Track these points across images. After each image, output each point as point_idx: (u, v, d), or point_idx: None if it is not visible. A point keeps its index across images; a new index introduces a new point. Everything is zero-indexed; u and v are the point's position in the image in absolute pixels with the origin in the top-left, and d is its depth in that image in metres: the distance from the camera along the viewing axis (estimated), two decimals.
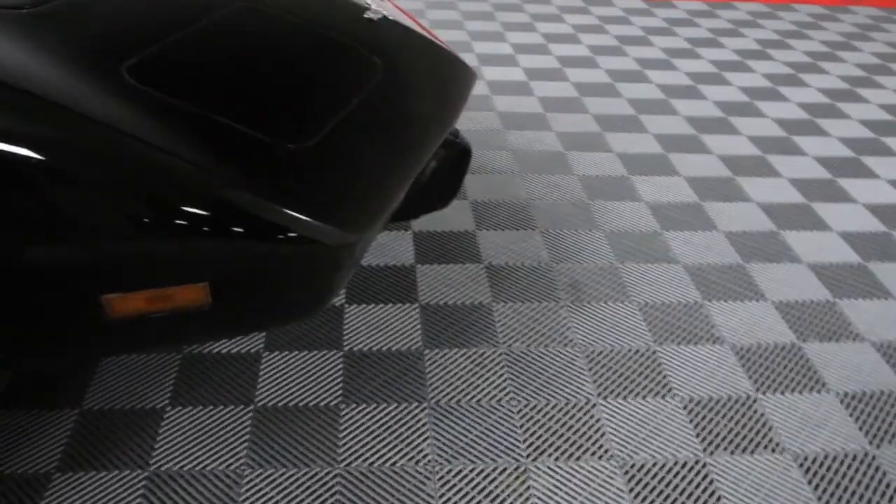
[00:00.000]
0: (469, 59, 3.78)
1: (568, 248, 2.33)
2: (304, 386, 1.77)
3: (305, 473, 1.57)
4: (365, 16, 1.98)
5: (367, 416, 1.70)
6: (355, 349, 1.88)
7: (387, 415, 1.71)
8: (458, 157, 1.90)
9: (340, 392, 1.76)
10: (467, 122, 3.10)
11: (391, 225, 2.39)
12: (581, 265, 2.25)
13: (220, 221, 1.23)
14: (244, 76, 1.52)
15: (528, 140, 2.98)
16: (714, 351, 1.95)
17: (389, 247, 2.28)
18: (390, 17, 2.05)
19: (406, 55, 1.90)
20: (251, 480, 1.55)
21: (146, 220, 1.21)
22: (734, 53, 4.07)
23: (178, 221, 1.22)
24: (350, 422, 1.69)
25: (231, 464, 1.58)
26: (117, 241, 1.20)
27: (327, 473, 1.57)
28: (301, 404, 1.73)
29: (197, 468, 1.57)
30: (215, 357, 1.84)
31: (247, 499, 1.51)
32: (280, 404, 1.72)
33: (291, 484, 1.54)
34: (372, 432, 1.67)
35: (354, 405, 1.73)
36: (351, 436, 1.66)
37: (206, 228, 1.23)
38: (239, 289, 1.32)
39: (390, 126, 1.61)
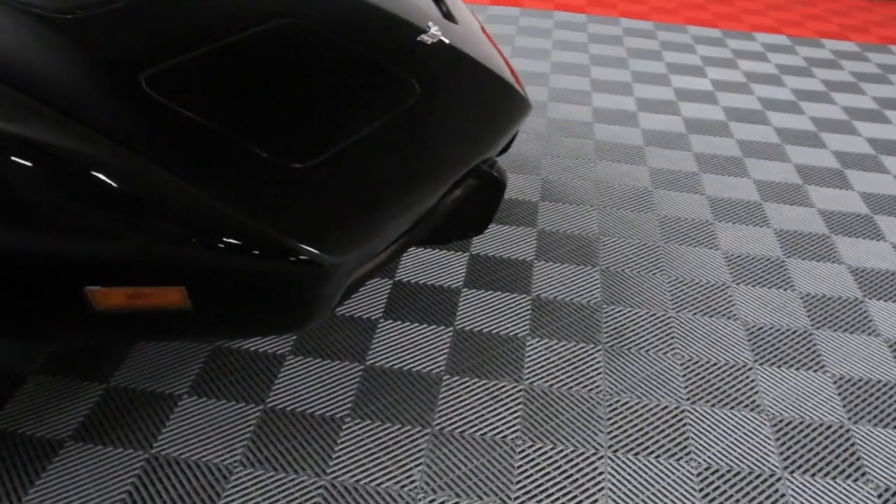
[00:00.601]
0: (579, 83, 3.72)
1: (624, 291, 2.25)
2: (316, 394, 1.81)
3: (292, 479, 1.61)
4: (419, 38, 1.98)
5: (368, 433, 1.72)
6: (376, 365, 1.91)
7: (388, 434, 1.73)
8: (489, 188, 1.87)
9: (350, 405, 1.79)
10: (559, 147, 3.06)
11: (451, 245, 2.39)
12: (632, 310, 2.18)
13: (193, 229, 1.28)
14: (265, 92, 1.57)
15: (617, 173, 2.91)
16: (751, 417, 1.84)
17: (441, 266, 2.29)
18: (448, 42, 2.03)
19: (450, 81, 1.89)
20: (239, 478, 1.60)
21: (125, 221, 1.27)
22: (873, 101, 3.80)
23: (154, 226, 1.28)
24: (350, 435, 1.71)
25: (225, 458, 1.64)
26: (100, 239, 1.27)
27: (312, 483, 1.60)
28: (308, 411, 1.77)
29: (193, 458, 1.64)
30: (242, 353, 1.91)
31: (230, 495, 1.56)
32: (288, 408, 1.77)
33: (276, 487, 1.59)
34: (368, 449, 1.68)
35: (359, 420, 1.75)
36: (346, 449, 1.68)
37: (180, 235, 1.28)
38: (216, 296, 1.36)
39: (407, 153, 1.61)
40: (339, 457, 1.66)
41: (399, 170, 1.57)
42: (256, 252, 1.31)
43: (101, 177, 1.27)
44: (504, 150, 2.31)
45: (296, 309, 1.41)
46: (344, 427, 1.74)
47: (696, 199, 2.78)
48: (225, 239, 1.30)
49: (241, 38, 1.68)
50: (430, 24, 2.09)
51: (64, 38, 1.46)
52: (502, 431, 1.75)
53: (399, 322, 2.06)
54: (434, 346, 1.99)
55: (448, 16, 2.28)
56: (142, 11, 1.63)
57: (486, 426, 1.77)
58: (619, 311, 2.16)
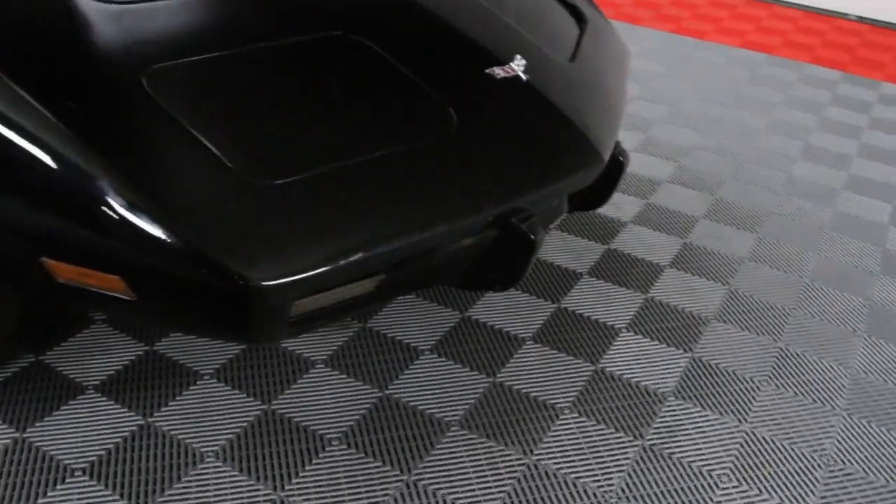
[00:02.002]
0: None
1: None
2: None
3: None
4: (487, 70, 1.85)
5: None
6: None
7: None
8: (514, 243, 1.69)
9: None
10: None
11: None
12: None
13: (124, 224, 1.33)
14: (274, 104, 1.56)
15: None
16: None
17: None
18: (526, 79, 1.88)
19: (499, 122, 1.76)
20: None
21: (60, 204, 1.35)
22: None
23: (86, 213, 1.35)
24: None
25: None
26: (43, 216, 1.37)
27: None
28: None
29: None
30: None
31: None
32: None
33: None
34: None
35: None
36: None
37: (110, 227, 1.34)
38: (153, 292, 1.40)
39: (404, 190, 1.53)
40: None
41: (382, 205, 1.49)
42: (179, 259, 1.32)
43: (46, 159, 1.35)
44: (586, 207, 2.11)
45: (227, 322, 1.40)
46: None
47: None
48: (151, 240, 1.33)
49: (275, 46, 1.67)
50: (518, 57, 1.93)
51: (85, 23, 1.52)
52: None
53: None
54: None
55: (578, 52, 2.12)
56: (189, 8, 1.66)
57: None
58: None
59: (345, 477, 1.66)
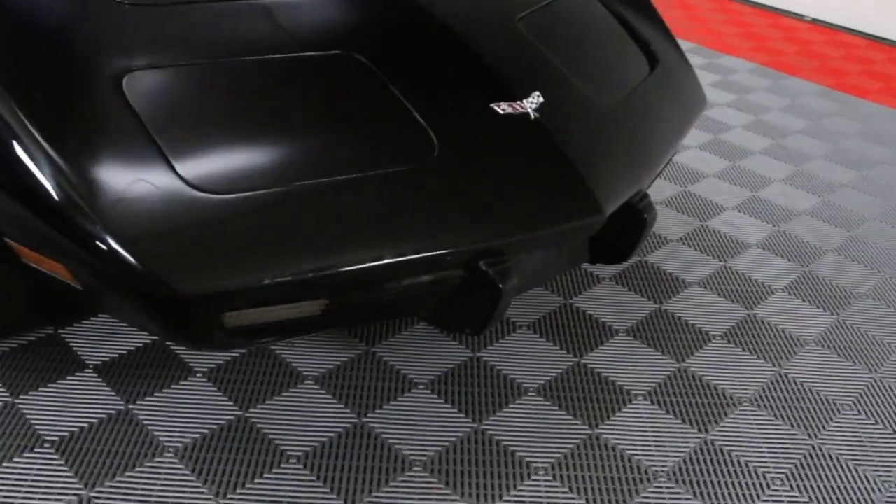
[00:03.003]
0: None
1: None
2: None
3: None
4: (492, 104, 1.74)
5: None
6: None
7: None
8: (481, 287, 1.60)
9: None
10: None
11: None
12: None
13: (62, 217, 1.36)
14: (250, 117, 1.55)
15: None
16: None
17: None
18: (535, 118, 1.76)
19: (490, 157, 1.67)
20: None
21: (21, 190, 1.39)
22: None
23: (35, 200, 1.38)
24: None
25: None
26: (6, 202, 1.42)
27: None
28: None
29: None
30: None
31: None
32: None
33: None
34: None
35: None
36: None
37: (51, 217, 1.37)
38: (92, 283, 1.42)
39: (362, 217, 1.49)
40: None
41: (331, 230, 1.45)
42: (107, 258, 1.33)
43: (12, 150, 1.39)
44: (608, 260, 1.94)
45: (160, 324, 1.41)
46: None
47: None
48: (84, 235, 1.34)
49: (268, 59, 1.65)
50: (537, 94, 1.83)
51: (81, 17, 1.56)
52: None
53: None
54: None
55: (628, 95, 2.00)
56: (188, 14, 1.67)
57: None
58: None
59: None
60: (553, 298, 2.27)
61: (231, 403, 1.78)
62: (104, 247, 1.33)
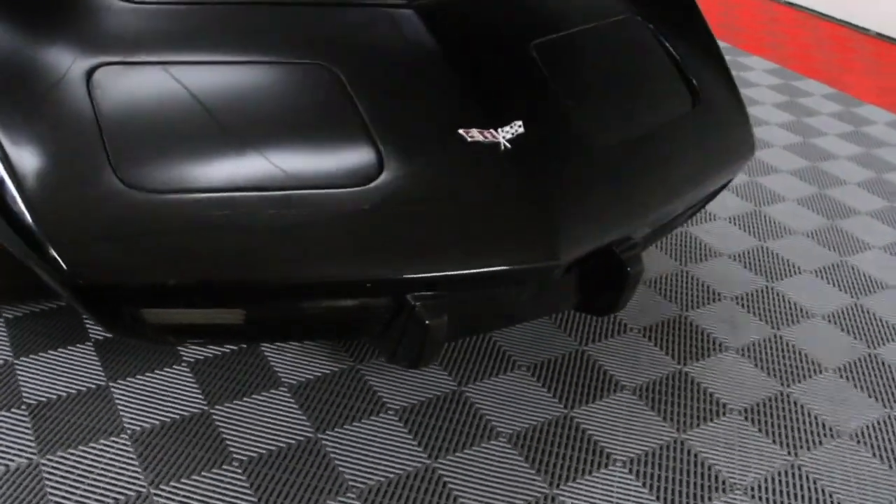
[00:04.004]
0: None
1: None
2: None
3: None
4: (461, 130, 1.65)
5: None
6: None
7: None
8: (405, 321, 1.54)
9: None
10: None
11: None
12: None
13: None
14: (203, 118, 1.53)
15: None
16: None
17: None
18: (505, 148, 1.65)
19: (440, 186, 1.57)
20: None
21: None
22: None
23: None
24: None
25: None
26: None
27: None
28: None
29: None
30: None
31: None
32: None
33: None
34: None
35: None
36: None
37: None
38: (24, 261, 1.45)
39: (283, 233, 1.45)
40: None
41: (248, 241, 1.42)
42: (23, 235, 1.38)
43: None
44: (596, 312, 1.81)
45: (84, 309, 1.43)
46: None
47: None
48: (6, 209, 1.40)
49: (242, 63, 1.64)
50: (518, 124, 1.71)
51: (72, 12, 1.61)
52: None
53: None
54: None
55: (647, 134, 1.85)
56: (171, 14, 1.68)
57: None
58: None
59: None
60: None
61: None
62: (24, 224, 1.38)
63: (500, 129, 1.69)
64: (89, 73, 1.56)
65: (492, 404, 1.91)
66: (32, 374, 1.86)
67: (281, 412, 1.83)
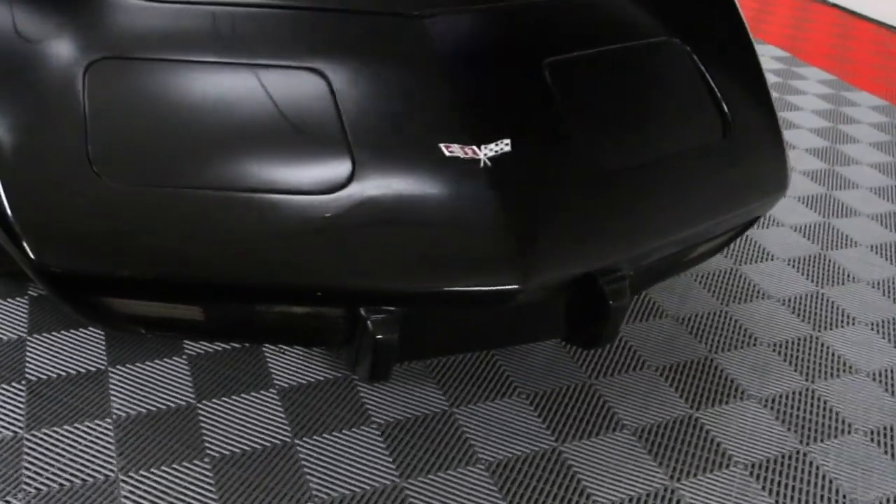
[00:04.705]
0: None
1: None
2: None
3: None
4: (441, 144, 1.62)
5: None
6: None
7: None
8: (359, 337, 1.52)
9: None
10: None
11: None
12: None
13: None
14: (190, 116, 1.56)
15: None
16: None
17: None
18: (485, 165, 1.60)
19: (407, 198, 1.54)
20: None
21: None
22: None
23: None
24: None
25: None
26: None
27: None
28: None
29: None
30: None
31: None
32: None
33: None
34: None
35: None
36: None
37: None
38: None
39: (245, 236, 1.46)
40: None
41: (210, 240, 1.44)
42: (2, 228, 1.43)
43: None
44: (582, 344, 1.73)
45: (49, 292, 1.47)
46: None
47: None
48: None
49: (236, 65, 1.65)
50: (505, 142, 1.64)
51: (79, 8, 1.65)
52: None
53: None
54: None
55: (658, 162, 1.75)
56: (190, 12, 1.71)
57: None
58: None
59: None
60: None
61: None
62: (1, 211, 1.44)
63: (483, 146, 1.64)
64: (87, 67, 1.61)
65: (479, 429, 1.86)
66: (40, 351, 1.94)
67: (264, 414, 1.84)
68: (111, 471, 1.67)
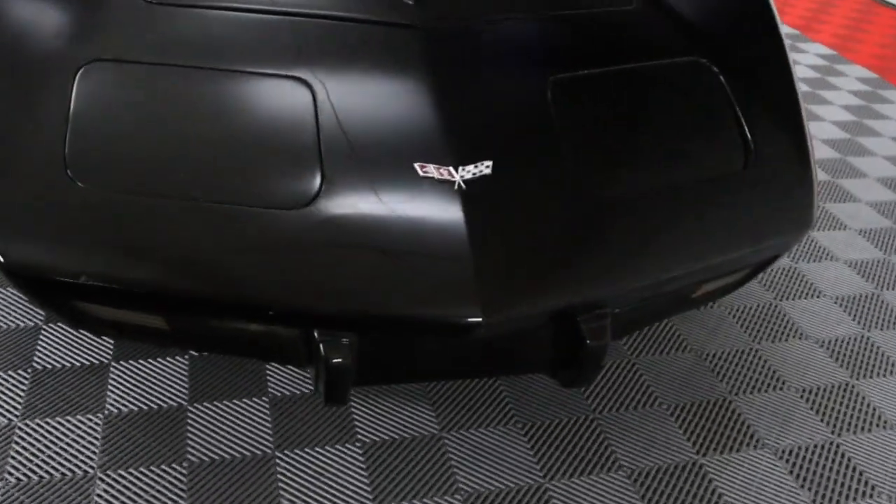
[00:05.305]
0: None
1: None
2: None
3: None
4: (415, 164, 1.56)
5: None
6: None
7: None
8: (312, 359, 1.49)
9: None
10: None
11: None
12: None
13: None
14: (173, 122, 1.56)
15: None
16: None
17: None
18: (459, 188, 1.53)
19: (371, 218, 1.49)
20: None
21: None
22: None
23: None
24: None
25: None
26: None
27: None
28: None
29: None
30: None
31: None
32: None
33: None
34: None
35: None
36: None
37: None
38: None
39: (207, 248, 1.44)
40: None
41: (173, 250, 1.43)
42: None
43: None
44: (563, 383, 1.65)
45: (32, 302, 1.51)
46: None
47: None
48: None
49: (225, 71, 1.64)
50: (486, 164, 1.56)
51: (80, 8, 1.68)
52: None
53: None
54: None
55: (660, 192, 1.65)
56: (188, 17, 1.71)
57: None
58: None
59: None
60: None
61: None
62: None
63: (461, 168, 1.56)
64: (79, 68, 1.63)
65: (466, 457, 1.81)
66: (51, 340, 2.00)
67: (251, 422, 1.84)
68: (91, 467, 1.70)
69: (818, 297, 2.47)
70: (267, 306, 1.42)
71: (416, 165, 1.56)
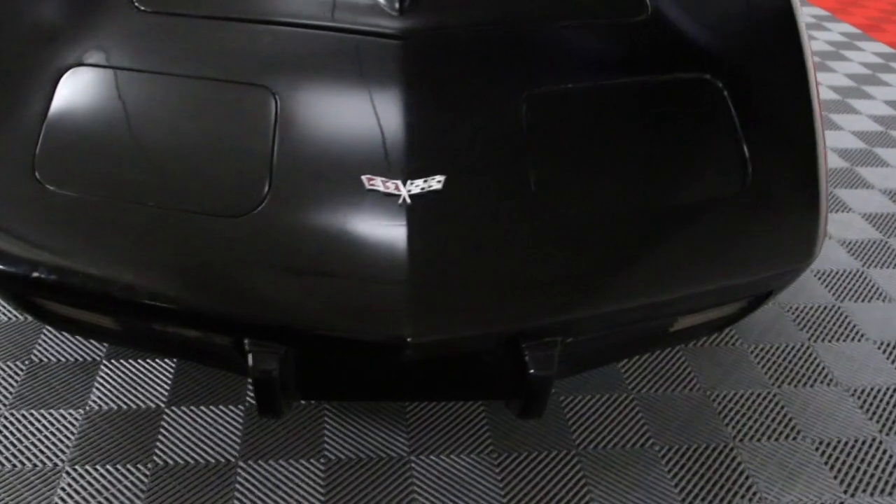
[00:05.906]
0: None
1: None
2: None
3: None
4: (364, 175, 1.54)
5: None
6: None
7: None
8: (251, 371, 1.44)
9: None
10: None
11: None
12: None
13: None
14: (147, 128, 1.59)
15: None
16: None
17: None
18: (409, 203, 1.49)
19: (313, 229, 1.48)
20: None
21: None
22: None
23: None
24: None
25: None
26: None
27: None
28: None
29: None
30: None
31: None
32: None
33: None
34: None
35: None
36: None
37: None
38: None
39: (160, 254, 1.46)
40: None
41: (126, 254, 1.45)
42: None
43: None
44: (519, 414, 1.55)
45: None
46: None
47: None
48: None
49: (200, 79, 1.66)
50: (438, 178, 1.52)
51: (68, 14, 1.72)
52: None
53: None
54: None
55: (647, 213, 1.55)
56: (175, 25, 1.74)
57: None
58: None
59: None
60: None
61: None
62: None
63: (409, 182, 1.52)
64: (63, 72, 1.68)
65: (432, 483, 1.75)
66: (53, 334, 2.07)
67: (221, 429, 1.85)
68: (61, 460, 1.75)
69: (858, 340, 2.26)
70: (200, 312, 1.43)
71: (364, 178, 1.53)
